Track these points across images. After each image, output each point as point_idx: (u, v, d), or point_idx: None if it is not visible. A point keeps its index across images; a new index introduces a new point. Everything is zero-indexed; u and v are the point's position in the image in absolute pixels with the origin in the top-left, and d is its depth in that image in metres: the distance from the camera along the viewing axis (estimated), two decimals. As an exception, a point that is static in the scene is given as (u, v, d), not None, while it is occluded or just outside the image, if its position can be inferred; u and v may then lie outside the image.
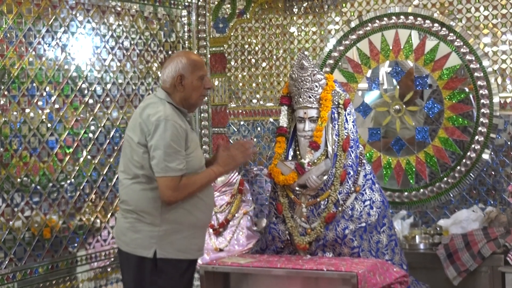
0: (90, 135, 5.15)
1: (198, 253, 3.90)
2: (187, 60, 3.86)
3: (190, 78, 3.84)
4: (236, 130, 5.99)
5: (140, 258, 3.77)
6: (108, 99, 5.30)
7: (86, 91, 5.14)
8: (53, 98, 4.89)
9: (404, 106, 5.38)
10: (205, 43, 6.09)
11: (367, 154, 5.43)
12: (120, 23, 5.44)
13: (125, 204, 3.86)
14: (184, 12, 6.04)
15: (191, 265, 3.89)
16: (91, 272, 5.15)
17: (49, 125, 4.85)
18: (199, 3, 6.08)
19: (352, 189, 4.24)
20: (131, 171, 3.81)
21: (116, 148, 5.32)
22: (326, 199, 4.22)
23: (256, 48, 5.92)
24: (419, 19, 5.31)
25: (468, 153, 5.19)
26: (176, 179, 3.71)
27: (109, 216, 5.28)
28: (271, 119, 5.83)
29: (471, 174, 5.19)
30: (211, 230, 5.22)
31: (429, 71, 5.29)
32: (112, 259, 5.29)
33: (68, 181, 4.96)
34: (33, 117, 4.76)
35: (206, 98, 3.89)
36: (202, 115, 6.08)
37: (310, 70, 4.24)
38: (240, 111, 5.99)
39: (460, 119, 5.22)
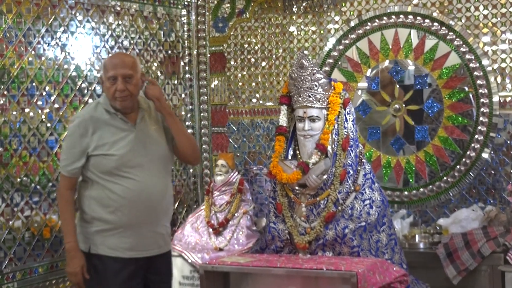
0: (90, 134, 5.14)
1: (128, 253, 3.85)
2: (104, 62, 3.92)
3: (105, 79, 3.86)
4: (235, 129, 5.98)
5: (84, 253, 3.88)
6: (107, 98, 5.30)
7: (85, 91, 5.14)
8: (52, 98, 4.89)
9: (403, 105, 5.38)
10: (204, 43, 6.09)
11: (367, 153, 5.43)
12: (120, 22, 5.44)
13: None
14: (184, 12, 6.04)
15: (128, 265, 3.84)
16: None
17: (48, 124, 4.85)
18: (199, 2, 6.07)
19: (352, 188, 4.23)
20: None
21: (115, 147, 5.32)
22: (326, 199, 4.21)
23: (256, 48, 5.92)
24: (418, 18, 5.31)
25: (468, 152, 5.19)
26: (62, 177, 3.89)
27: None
28: (270, 118, 5.83)
29: (470, 173, 5.19)
30: (211, 230, 5.22)
31: (428, 70, 5.29)
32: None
33: (68, 181, 4.96)
34: (33, 116, 4.76)
35: (124, 102, 3.74)
36: (201, 114, 6.08)
37: (310, 69, 4.24)
38: (240, 110, 5.99)
39: (460, 118, 5.22)
